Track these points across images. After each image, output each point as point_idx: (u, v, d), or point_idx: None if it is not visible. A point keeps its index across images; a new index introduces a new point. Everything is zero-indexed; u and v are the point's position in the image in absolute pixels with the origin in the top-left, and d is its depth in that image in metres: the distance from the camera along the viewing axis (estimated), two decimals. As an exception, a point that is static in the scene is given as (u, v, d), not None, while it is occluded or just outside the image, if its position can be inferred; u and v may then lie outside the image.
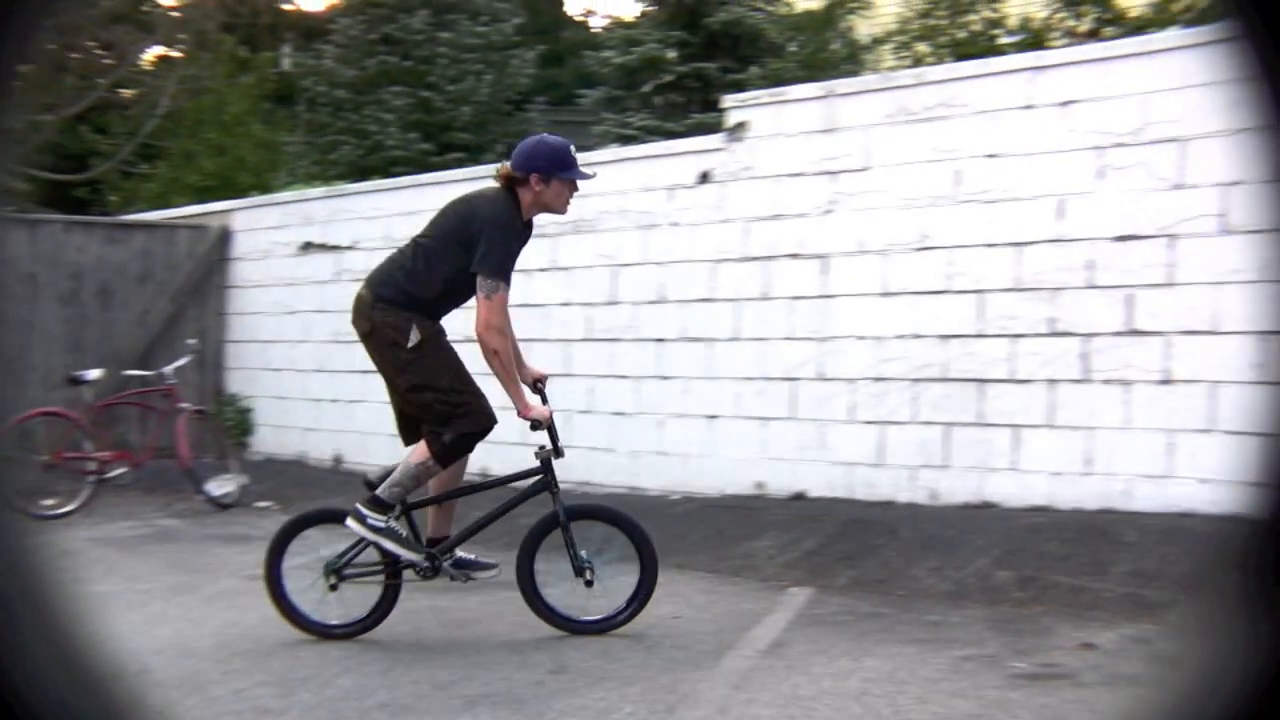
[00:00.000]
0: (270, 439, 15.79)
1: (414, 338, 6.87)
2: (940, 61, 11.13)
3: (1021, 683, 5.95)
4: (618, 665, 6.48)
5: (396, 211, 13.90)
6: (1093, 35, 10.76)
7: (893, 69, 11.61)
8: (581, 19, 40.69)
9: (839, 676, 6.11)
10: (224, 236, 16.51)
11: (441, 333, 7.09)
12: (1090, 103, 8.94)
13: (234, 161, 25.46)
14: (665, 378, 11.30)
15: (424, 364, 6.91)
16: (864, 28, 13.39)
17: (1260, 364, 7.97)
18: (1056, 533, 8.24)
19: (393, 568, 7.08)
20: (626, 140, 15.90)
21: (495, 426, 7.03)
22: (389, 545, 6.92)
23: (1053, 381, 8.93)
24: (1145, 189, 8.60)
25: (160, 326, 15.86)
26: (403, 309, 6.94)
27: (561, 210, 7.26)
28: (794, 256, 10.37)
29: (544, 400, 7.40)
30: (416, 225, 13.19)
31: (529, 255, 11.78)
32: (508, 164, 7.07)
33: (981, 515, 9.00)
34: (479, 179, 12.97)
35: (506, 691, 6.04)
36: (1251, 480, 1.33)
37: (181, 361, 13.69)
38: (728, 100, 11.16)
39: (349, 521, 6.95)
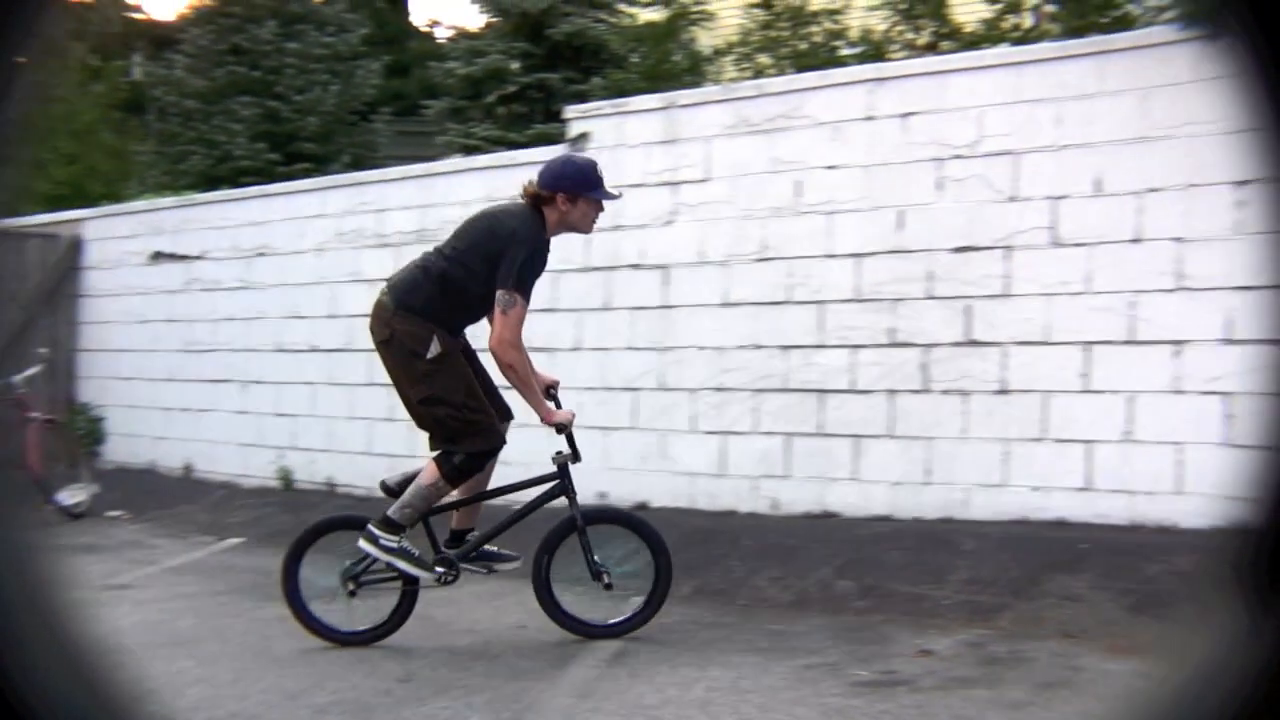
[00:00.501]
0: (121, 448, 15.39)
1: (434, 349, 6.70)
2: (781, 73, 11.07)
3: (862, 690, 5.95)
4: (464, 674, 6.45)
5: (244, 221, 13.73)
6: (931, 48, 10.71)
7: (734, 80, 11.52)
8: (426, 30, 40.42)
9: (683, 685, 6.08)
10: (75, 245, 16.07)
11: (460, 347, 6.96)
12: (929, 115, 8.93)
13: (85, 170, 25.04)
14: (507, 387, 10.97)
15: (440, 377, 6.75)
16: (706, 39, 13.26)
17: (1085, 374, 8.04)
18: (897, 542, 8.26)
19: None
20: (470, 151, 15.73)
21: (504, 446, 7.04)
22: (402, 565, 6.85)
23: (893, 392, 8.90)
24: (982, 201, 8.62)
25: (10, 336, 15.40)
26: (425, 319, 6.75)
27: (587, 230, 7.23)
28: (635, 267, 10.24)
29: (558, 406, 7.33)
30: (264, 235, 13.25)
31: (373, 267, 11.70)
32: (534, 182, 6.93)
33: (823, 525, 8.95)
34: (325, 189, 12.86)
35: (355, 700, 6.00)
36: (1248, 493, 1.32)
37: (32, 371, 13.36)
38: (570, 111, 11.06)
39: (361, 543, 6.86)
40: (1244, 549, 1.33)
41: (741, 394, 9.61)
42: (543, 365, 10.70)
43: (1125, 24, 10.08)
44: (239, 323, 13.69)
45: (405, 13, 39.42)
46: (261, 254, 13.36)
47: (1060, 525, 8.06)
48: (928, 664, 6.39)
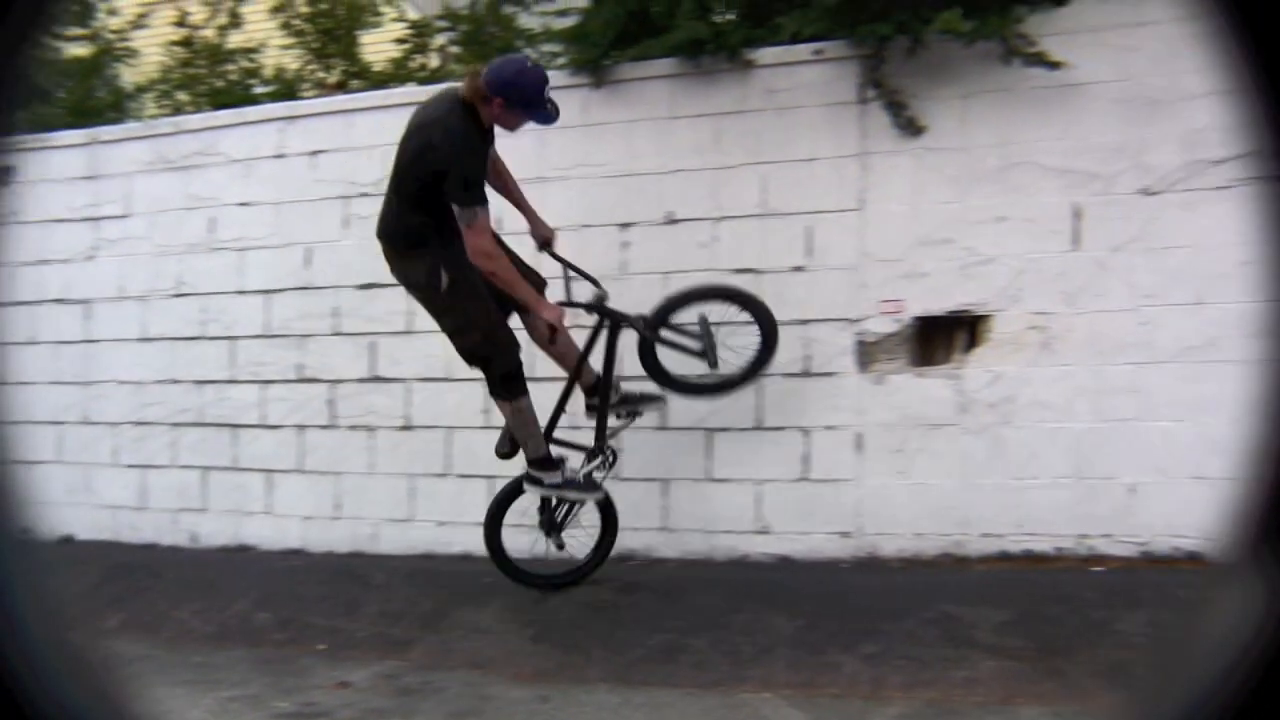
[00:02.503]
0: None
1: (444, 281, 6.24)
2: (199, 110, 10.37)
3: (285, 721, 5.72)
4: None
5: None
6: (340, 87, 10.18)
7: (155, 117, 10.74)
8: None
9: (110, 720, 5.43)
10: None
11: (468, 271, 6.19)
12: (337, 153, 8.62)
13: None
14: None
15: (459, 307, 6.33)
16: (130, 75, 12.29)
17: (486, 410, 7.80)
18: (311, 575, 7.98)
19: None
20: (-91, 178, 14.15)
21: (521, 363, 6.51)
22: (573, 495, 6.75)
23: (302, 427, 8.63)
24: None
25: None
26: (423, 249, 6.25)
27: (513, 130, 6.37)
28: (59, 301, 9.61)
29: (558, 259, 6.80)
30: None
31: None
32: (479, 75, 6.13)
33: (240, 558, 8.62)
34: None
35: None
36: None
37: None
38: (-5, 146, 9.90)
39: (527, 487, 6.76)
40: (1256, 517, 1.25)
41: (161, 428, 9.11)
42: (-37, 401, 9.80)
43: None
44: None
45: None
46: None
47: (465, 559, 7.90)
48: (346, 695, 6.13)
